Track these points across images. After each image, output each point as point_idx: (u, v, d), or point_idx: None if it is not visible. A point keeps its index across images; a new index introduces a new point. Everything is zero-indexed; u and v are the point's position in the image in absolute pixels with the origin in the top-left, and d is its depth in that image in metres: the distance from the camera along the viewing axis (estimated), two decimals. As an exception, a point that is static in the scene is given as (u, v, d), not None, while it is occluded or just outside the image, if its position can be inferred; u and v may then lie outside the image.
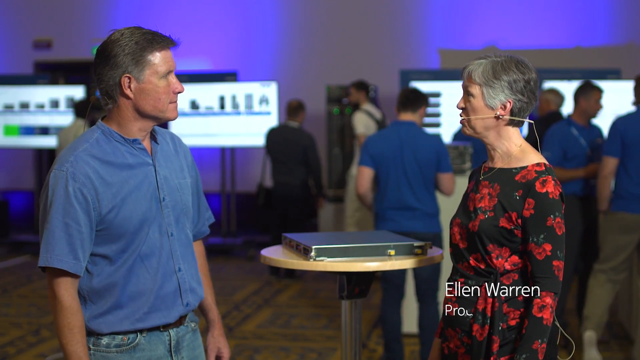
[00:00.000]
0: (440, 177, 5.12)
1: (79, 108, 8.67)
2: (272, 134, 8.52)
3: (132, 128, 2.49)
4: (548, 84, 8.13)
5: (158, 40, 2.45)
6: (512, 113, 2.57)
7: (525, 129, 6.10)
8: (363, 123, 8.42)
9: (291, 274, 8.42)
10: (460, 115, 2.63)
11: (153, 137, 2.58)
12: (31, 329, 6.59)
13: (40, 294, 7.91)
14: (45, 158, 11.18)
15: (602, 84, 6.34)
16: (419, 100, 5.17)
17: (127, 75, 2.42)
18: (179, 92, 2.51)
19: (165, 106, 2.48)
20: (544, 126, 6.40)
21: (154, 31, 2.48)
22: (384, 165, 5.10)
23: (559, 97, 6.76)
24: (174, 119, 2.54)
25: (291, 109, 8.54)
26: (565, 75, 8.80)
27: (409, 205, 5.04)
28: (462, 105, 2.62)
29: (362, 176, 5.16)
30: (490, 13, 10.59)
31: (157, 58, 2.45)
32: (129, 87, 2.43)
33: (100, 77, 2.45)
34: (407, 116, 5.17)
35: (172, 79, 2.49)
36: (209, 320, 2.83)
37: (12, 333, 6.47)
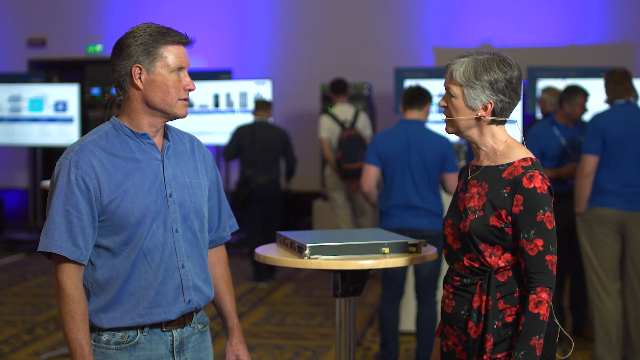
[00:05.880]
0: (445, 177, 5.12)
1: None
2: (247, 131, 8.19)
3: (142, 122, 2.50)
4: (542, 83, 8.15)
5: (172, 35, 2.48)
6: (494, 113, 2.56)
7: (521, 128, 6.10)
8: (326, 127, 8.40)
9: (271, 274, 8.32)
10: (443, 114, 2.63)
11: (166, 135, 2.58)
12: (25, 327, 6.58)
13: (34, 292, 7.91)
14: (39, 156, 11.17)
15: (596, 82, 6.33)
16: (424, 97, 5.16)
17: (138, 65, 2.45)
18: (190, 90, 2.52)
19: (174, 101, 2.48)
20: None
21: (170, 27, 2.50)
22: (391, 164, 5.10)
23: (554, 96, 6.74)
24: (182, 117, 2.53)
25: (261, 104, 8.33)
26: (559, 73, 8.82)
27: (414, 205, 5.04)
28: (444, 104, 2.61)
29: (367, 174, 5.16)
30: (485, 11, 10.60)
31: (169, 52, 2.47)
32: (139, 77, 2.46)
33: (114, 68, 2.49)
34: (413, 114, 5.15)
35: (184, 75, 2.50)
36: (228, 328, 2.81)
37: (7, 331, 6.46)
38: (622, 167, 5.21)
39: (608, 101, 5.37)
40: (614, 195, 5.22)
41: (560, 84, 8.05)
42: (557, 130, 5.87)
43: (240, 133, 8.22)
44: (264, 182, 8.13)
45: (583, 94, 5.92)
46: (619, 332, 5.34)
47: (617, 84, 5.31)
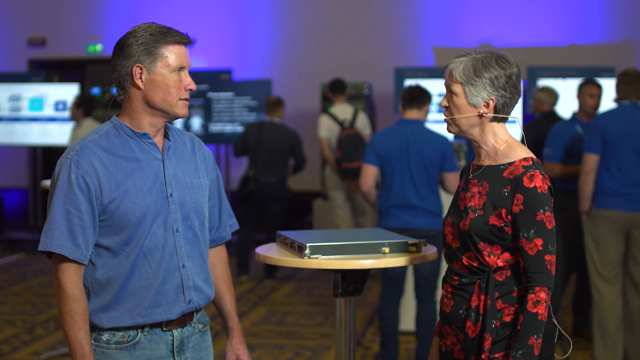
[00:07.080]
0: (445, 177, 5.12)
1: (87, 106, 8.43)
2: (254, 130, 8.23)
3: (143, 121, 2.51)
4: (542, 82, 8.14)
5: (173, 35, 2.48)
6: (496, 109, 2.56)
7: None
8: (325, 127, 8.42)
9: (272, 273, 8.34)
10: (444, 114, 2.63)
11: (166, 134, 2.58)
12: (26, 326, 6.58)
13: (34, 291, 7.91)
14: (39, 156, 11.17)
15: (596, 81, 6.34)
16: (424, 97, 5.16)
17: (139, 65, 2.45)
18: (191, 90, 2.52)
19: (175, 101, 2.49)
20: (541, 126, 6.40)
21: (171, 27, 2.51)
22: (390, 164, 5.09)
23: (551, 95, 6.75)
24: (183, 117, 2.54)
25: (271, 103, 8.34)
26: (559, 73, 8.82)
27: (412, 204, 5.04)
28: (445, 103, 2.61)
29: (366, 174, 5.16)
30: (485, 11, 10.60)
31: (170, 51, 2.47)
32: (140, 77, 2.46)
33: (115, 67, 2.49)
34: (412, 114, 5.15)
35: (185, 75, 2.51)
36: (228, 328, 2.81)
37: (7, 331, 6.46)
38: (625, 167, 5.24)
39: (616, 101, 5.43)
40: (618, 196, 5.25)
41: (560, 83, 8.06)
42: (579, 128, 5.90)
43: (248, 131, 8.27)
44: (266, 182, 8.13)
45: (591, 84, 5.96)
46: (619, 331, 5.35)
47: (627, 84, 5.36)
